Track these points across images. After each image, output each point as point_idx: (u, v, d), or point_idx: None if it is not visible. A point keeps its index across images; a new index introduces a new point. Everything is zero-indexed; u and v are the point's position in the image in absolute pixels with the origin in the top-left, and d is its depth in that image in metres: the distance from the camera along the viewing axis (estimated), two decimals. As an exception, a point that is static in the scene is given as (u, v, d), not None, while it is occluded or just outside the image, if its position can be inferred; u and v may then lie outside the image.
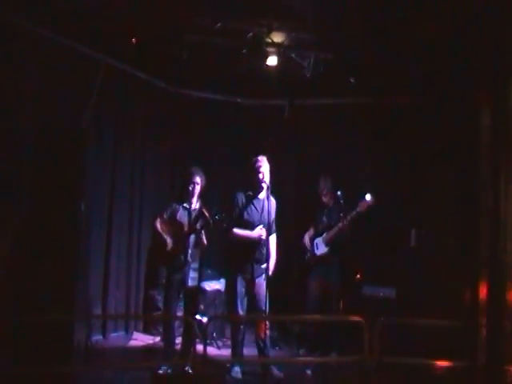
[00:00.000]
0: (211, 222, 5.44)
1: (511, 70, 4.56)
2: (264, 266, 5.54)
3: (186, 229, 5.54)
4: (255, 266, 5.54)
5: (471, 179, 5.25)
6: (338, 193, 6.14)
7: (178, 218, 5.63)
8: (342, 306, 6.16)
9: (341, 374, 4.99)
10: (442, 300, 5.68)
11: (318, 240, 6.36)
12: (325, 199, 6.44)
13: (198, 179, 5.61)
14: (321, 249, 6.33)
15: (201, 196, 5.71)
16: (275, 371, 5.50)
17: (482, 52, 4.55)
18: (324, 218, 6.40)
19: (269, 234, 5.65)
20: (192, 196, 5.60)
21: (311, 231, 6.50)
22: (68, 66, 5.93)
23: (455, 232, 5.66)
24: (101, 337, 6.68)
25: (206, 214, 5.49)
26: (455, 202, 5.68)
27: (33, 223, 5.29)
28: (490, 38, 4.50)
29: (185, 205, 5.63)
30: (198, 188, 5.62)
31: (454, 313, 4.83)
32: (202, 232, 5.56)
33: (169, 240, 5.56)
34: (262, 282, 5.55)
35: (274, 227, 5.79)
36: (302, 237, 6.50)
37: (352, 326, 4.84)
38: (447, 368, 4.48)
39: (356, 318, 4.70)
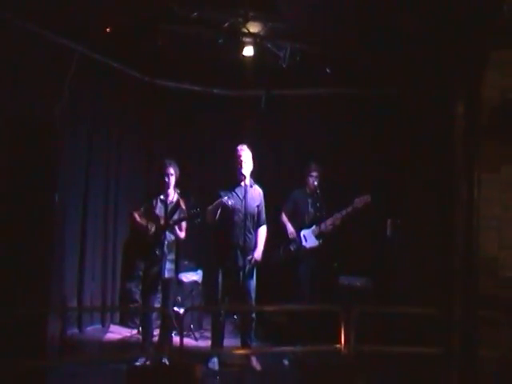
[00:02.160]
0: (187, 215, 5.45)
1: (485, 60, 4.60)
2: (249, 257, 5.49)
3: (162, 221, 5.52)
4: (239, 255, 5.45)
5: (446, 169, 5.30)
6: (315, 183, 6.14)
7: (154, 210, 5.62)
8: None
9: (318, 363, 5.01)
10: (418, 289, 5.73)
11: (306, 232, 6.24)
12: (311, 186, 6.29)
13: (171, 170, 5.60)
14: (311, 241, 6.21)
15: (177, 186, 5.69)
16: (254, 362, 5.52)
17: (456, 41, 4.58)
18: (310, 209, 6.29)
19: (257, 225, 5.63)
20: (168, 188, 5.59)
21: (289, 220, 6.35)
22: (41, 55, 5.82)
23: (430, 221, 5.71)
24: (76, 330, 6.62)
25: (183, 207, 5.49)
26: (430, 191, 5.73)
27: (6, 214, 5.21)
28: (464, 28, 4.54)
29: (161, 197, 5.61)
30: (172, 179, 5.61)
31: (429, 301, 4.88)
32: (176, 226, 5.54)
33: (152, 227, 5.54)
34: (252, 275, 5.53)
35: (262, 217, 5.71)
36: (285, 227, 6.35)
37: (328, 315, 4.86)
38: (423, 355, 4.53)
39: (332, 307, 4.72)
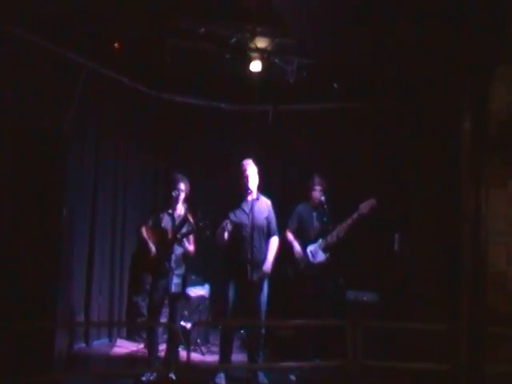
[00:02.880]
0: (195, 228, 5.45)
1: (491, 75, 4.61)
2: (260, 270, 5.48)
3: (170, 235, 5.53)
4: (249, 269, 5.40)
5: (453, 184, 5.29)
6: (322, 198, 6.12)
7: (162, 224, 5.62)
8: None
9: (325, 378, 4.98)
10: (426, 303, 5.69)
11: (313, 247, 6.12)
12: (316, 200, 6.19)
13: (182, 186, 5.61)
14: (318, 256, 6.08)
15: (185, 202, 5.69)
16: (261, 377, 5.49)
17: (463, 56, 4.59)
18: (316, 223, 6.18)
19: (268, 236, 5.62)
20: (176, 202, 5.61)
21: (295, 237, 6.26)
22: (50, 69, 5.88)
23: (438, 236, 5.68)
24: (83, 344, 6.61)
25: (191, 220, 5.49)
26: (438, 206, 5.70)
27: (13, 228, 5.23)
28: (470, 42, 4.54)
29: (169, 211, 5.63)
30: (182, 195, 5.62)
31: (437, 316, 4.84)
32: (185, 239, 5.55)
33: (153, 248, 5.55)
34: (263, 289, 5.52)
35: (273, 228, 5.69)
36: (291, 246, 6.22)
37: (335, 330, 4.83)
38: (430, 371, 4.49)
39: (339, 322, 4.69)
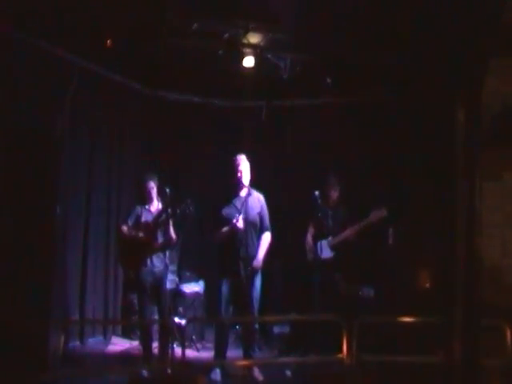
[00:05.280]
0: (178, 210, 5.61)
1: (485, 67, 4.61)
2: (249, 266, 5.48)
3: (151, 228, 5.70)
4: (242, 266, 5.42)
5: (447, 177, 5.29)
6: (316, 193, 6.12)
7: (142, 220, 5.77)
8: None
9: (320, 373, 4.97)
10: (420, 297, 5.70)
11: (323, 243, 6.20)
12: (333, 198, 6.32)
13: (152, 184, 5.83)
14: (325, 253, 6.14)
15: (159, 195, 5.87)
16: (256, 373, 5.49)
17: (456, 49, 4.59)
18: (330, 221, 6.22)
19: (260, 232, 5.63)
20: (151, 199, 5.85)
21: (311, 230, 6.36)
22: (42, 68, 5.84)
23: (432, 230, 5.69)
24: (78, 342, 6.59)
25: (169, 210, 5.65)
26: (432, 199, 5.72)
27: (7, 228, 5.21)
28: (464, 36, 4.54)
29: (146, 207, 5.83)
30: (155, 191, 5.85)
31: (431, 310, 4.85)
32: (168, 226, 5.68)
33: (139, 233, 5.70)
34: (255, 285, 5.52)
35: (265, 224, 5.70)
36: (305, 236, 6.37)
37: (330, 325, 4.83)
38: (425, 364, 4.49)
39: (334, 318, 4.69)
